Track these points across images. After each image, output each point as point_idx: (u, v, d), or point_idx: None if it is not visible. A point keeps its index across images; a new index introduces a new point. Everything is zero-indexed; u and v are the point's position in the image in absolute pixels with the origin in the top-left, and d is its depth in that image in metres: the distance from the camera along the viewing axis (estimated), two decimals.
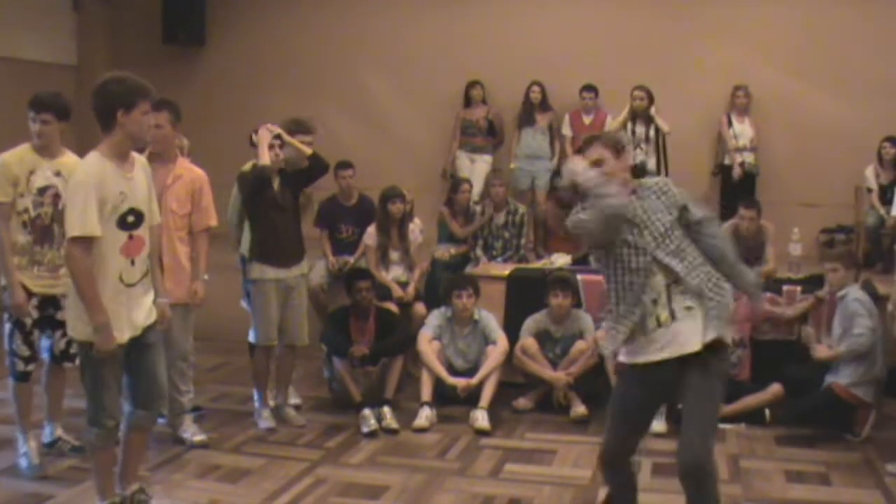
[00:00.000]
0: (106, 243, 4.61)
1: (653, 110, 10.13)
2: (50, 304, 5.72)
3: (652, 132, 10.09)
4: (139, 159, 4.93)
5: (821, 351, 6.73)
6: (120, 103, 4.58)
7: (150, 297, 4.94)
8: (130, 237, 4.73)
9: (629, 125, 10.12)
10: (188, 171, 6.22)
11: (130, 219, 4.71)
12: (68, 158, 5.71)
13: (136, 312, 4.80)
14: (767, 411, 6.91)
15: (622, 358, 4.49)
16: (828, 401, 6.66)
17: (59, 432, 6.06)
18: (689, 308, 4.26)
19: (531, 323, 7.46)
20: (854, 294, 6.81)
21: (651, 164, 10.03)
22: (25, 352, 5.70)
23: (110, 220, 4.61)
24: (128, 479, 5.07)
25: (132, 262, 4.75)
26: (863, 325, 6.62)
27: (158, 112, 5.73)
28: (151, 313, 4.93)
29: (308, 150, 6.78)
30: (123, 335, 4.70)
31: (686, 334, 4.25)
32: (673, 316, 4.26)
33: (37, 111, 5.62)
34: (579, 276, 7.71)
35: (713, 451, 4.25)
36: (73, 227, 4.52)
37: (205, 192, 6.22)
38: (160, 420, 6.34)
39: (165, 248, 5.82)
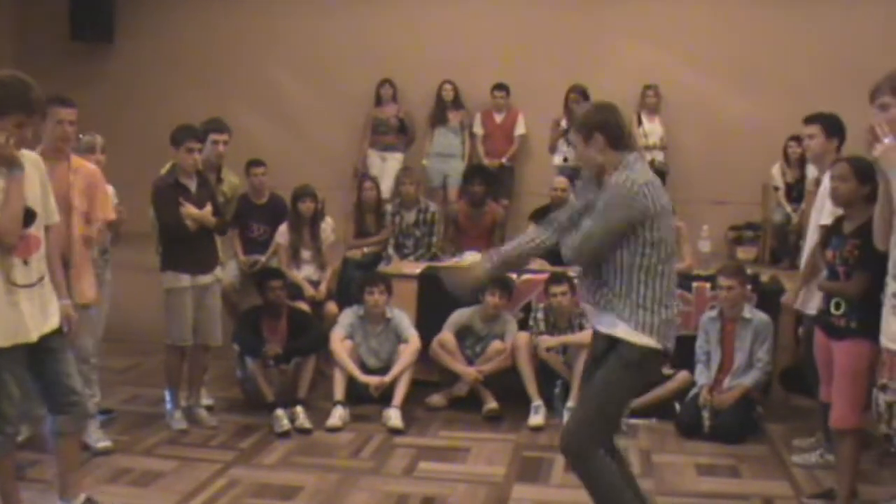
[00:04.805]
0: None
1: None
2: None
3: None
4: (30, 156, 4.67)
5: None
6: None
7: (53, 299, 4.77)
8: (20, 236, 4.51)
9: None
10: (83, 167, 5.86)
11: None
12: None
13: (36, 316, 4.61)
14: (677, 404, 7.01)
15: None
16: None
17: None
18: None
19: (457, 317, 7.46)
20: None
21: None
22: None
23: None
24: (71, 490, 4.94)
25: (25, 262, 4.54)
26: None
27: (69, 108, 5.63)
28: (54, 317, 4.74)
29: (212, 221, 6.73)
30: (16, 337, 4.50)
31: None
32: None
33: None
34: None
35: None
36: None
37: (99, 187, 5.92)
38: (100, 417, 6.38)
39: (72, 248, 5.60)
